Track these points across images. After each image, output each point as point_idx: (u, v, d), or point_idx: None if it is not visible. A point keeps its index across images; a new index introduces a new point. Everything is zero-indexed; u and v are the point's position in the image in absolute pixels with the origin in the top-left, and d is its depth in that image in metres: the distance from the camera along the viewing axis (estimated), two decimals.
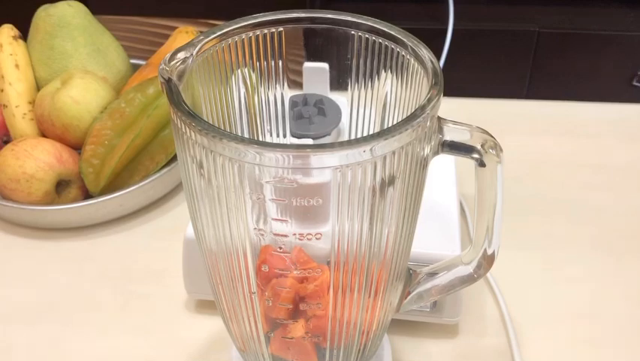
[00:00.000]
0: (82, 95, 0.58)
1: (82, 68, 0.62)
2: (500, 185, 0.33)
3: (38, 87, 0.63)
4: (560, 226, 0.56)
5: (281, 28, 0.35)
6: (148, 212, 0.59)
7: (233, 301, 0.34)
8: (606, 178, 0.61)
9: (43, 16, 0.63)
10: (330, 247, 0.30)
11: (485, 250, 0.35)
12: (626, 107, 0.71)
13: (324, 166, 0.27)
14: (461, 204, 0.56)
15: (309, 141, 0.44)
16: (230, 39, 0.34)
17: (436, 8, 1.11)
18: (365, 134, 0.38)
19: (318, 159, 0.27)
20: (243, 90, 0.36)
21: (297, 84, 0.46)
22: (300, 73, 0.46)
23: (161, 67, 0.30)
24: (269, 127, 0.39)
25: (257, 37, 0.34)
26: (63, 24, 0.63)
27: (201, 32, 0.33)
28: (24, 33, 0.64)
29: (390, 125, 0.31)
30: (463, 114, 0.36)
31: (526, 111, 0.72)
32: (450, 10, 1.07)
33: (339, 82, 0.37)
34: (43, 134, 0.60)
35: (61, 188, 0.57)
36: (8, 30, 0.63)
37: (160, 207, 0.59)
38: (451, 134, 0.31)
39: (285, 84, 0.38)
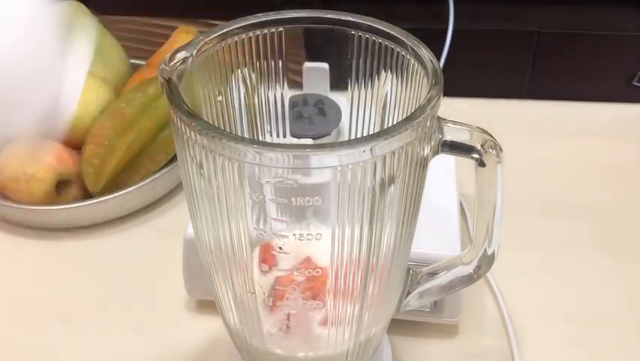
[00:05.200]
0: (82, 95, 0.58)
1: None
2: (500, 185, 0.33)
3: None
4: (560, 226, 0.56)
5: (281, 28, 0.35)
6: (148, 212, 0.59)
7: (233, 301, 0.34)
8: (606, 178, 0.61)
9: None
10: (330, 247, 0.30)
11: (485, 250, 0.35)
12: (626, 107, 0.71)
13: (324, 166, 0.27)
14: (461, 204, 0.56)
15: (309, 141, 0.44)
16: (230, 39, 0.34)
17: (436, 8, 1.11)
18: (365, 134, 0.38)
19: (318, 159, 0.27)
20: (243, 90, 0.36)
21: (297, 84, 0.46)
22: (300, 73, 0.46)
23: (161, 67, 0.30)
24: (269, 127, 0.39)
25: (257, 37, 0.34)
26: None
27: (201, 32, 0.33)
28: None
29: (390, 125, 0.31)
30: (463, 114, 0.36)
31: (526, 111, 0.72)
32: (450, 10, 1.07)
33: (339, 82, 0.37)
34: None
35: (61, 188, 0.57)
36: None
37: (160, 207, 0.59)
38: (451, 134, 0.31)
39: (285, 84, 0.38)
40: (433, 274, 0.38)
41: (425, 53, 0.31)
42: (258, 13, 0.34)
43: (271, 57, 0.36)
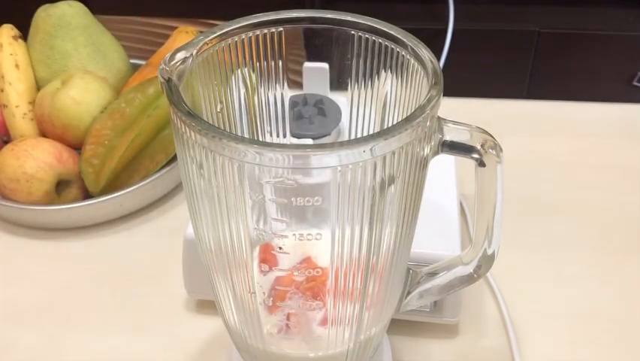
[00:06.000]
0: (82, 95, 0.58)
1: (82, 68, 0.62)
2: (500, 185, 0.33)
3: (38, 87, 0.63)
4: (559, 225, 0.56)
5: (281, 28, 0.35)
6: (148, 212, 0.59)
7: (233, 301, 0.34)
8: (606, 178, 0.61)
9: (43, 16, 0.63)
10: (330, 247, 0.30)
11: (485, 250, 0.35)
12: (626, 107, 0.71)
13: (324, 166, 0.27)
14: (461, 204, 0.56)
15: (309, 141, 0.44)
16: (230, 39, 0.34)
17: (436, 8, 1.11)
18: (365, 134, 0.38)
19: (318, 159, 0.27)
20: (243, 90, 0.36)
21: (297, 84, 0.46)
22: (300, 73, 0.46)
23: (161, 67, 0.30)
24: (269, 127, 0.39)
25: (257, 37, 0.34)
26: (63, 24, 0.63)
27: (201, 32, 0.33)
28: (24, 33, 0.64)
29: (390, 125, 0.31)
30: (463, 114, 0.36)
31: (526, 111, 0.72)
32: (450, 10, 1.07)
33: (339, 82, 0.37)
34: (43, 134, 0.60)
35: (61, 188, 0.57)
36: (8, 30, 0.63)
37: (160, 207, 0.59)
38: (451, 134, 0.31)
39: (285, 84, 0.38)
40: (433, 274, 0.38)
41: (425, 53, 0.31)
42: (257, 13, 0.34)
43: (271, 57, 0.36)
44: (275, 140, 0.39)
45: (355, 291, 0.33)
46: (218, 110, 0.35)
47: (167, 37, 0.69)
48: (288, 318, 0.35)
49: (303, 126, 0.44)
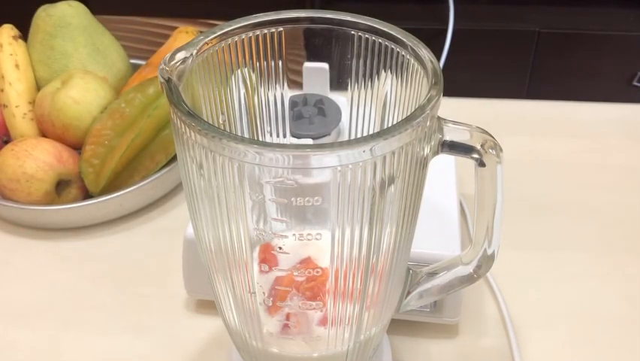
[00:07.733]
0: (82, 95, 0.58)
1: (82, 68, 0.62)
2: (500, 185, 0.33)
3: (38, 87, 0.63)
4: (559, 225, 0.56)
5: (281, 28, 0.35)
6: (148, 212, 0.59)
7: (233, 301, 0.34)
8: (606, 178, 0.61)
9: (43, 16, 0.63)
10: (330, 247, 0.30)
11: (485, 250, 0.35)
12: (626, 107, 0.71)
13: (324, 166, 0.27)
14: (461, 204, 0.56)
15: (309, 141, 0.44)
16: (230, 39, 0.34)
17: (436, 8, 1.11)
18: (365, 134, 0.38)
19: (317, 159, 0.27)
20: (242, 90, 0.36)
21: (297, 84, 0.46)
22: (300, 73, 0.46)
23: (161, 67, 0.30)
24: (269, 127, 0.39)
25: (257, 37, 0.34)
26: (63, 24, 0.63)
27: (201, 32, 0.33)
28: (24, 33, 0.64)
29: (390, 125, 0.31)
30: (463, 114, 0.36)
31: (526, 111, 0.72)
32: (450, 10, 1.07)
33: (339, 82, 0.37)
34: (43, 134, 0.60)
35: (61, 188, 0.57)
36: (8, 30, 0.63)
37: (160, 207, 0.59)
38: (451, 134, 0.31)
39: (285, 84, 0.38)
40: (433, 274, 0.38)
41: (425, 53, 0.31)
42: (257, 13, 0.34)
43: (271, 57, 0.36)
44: (275, 140, 0.39)
45: (355, 291, 0.33)
46: (221, 121, 0.35)
47: (167, 37, 0.69)
48: (288, 318, 0.35)
49: (303, 126, 0.44)
